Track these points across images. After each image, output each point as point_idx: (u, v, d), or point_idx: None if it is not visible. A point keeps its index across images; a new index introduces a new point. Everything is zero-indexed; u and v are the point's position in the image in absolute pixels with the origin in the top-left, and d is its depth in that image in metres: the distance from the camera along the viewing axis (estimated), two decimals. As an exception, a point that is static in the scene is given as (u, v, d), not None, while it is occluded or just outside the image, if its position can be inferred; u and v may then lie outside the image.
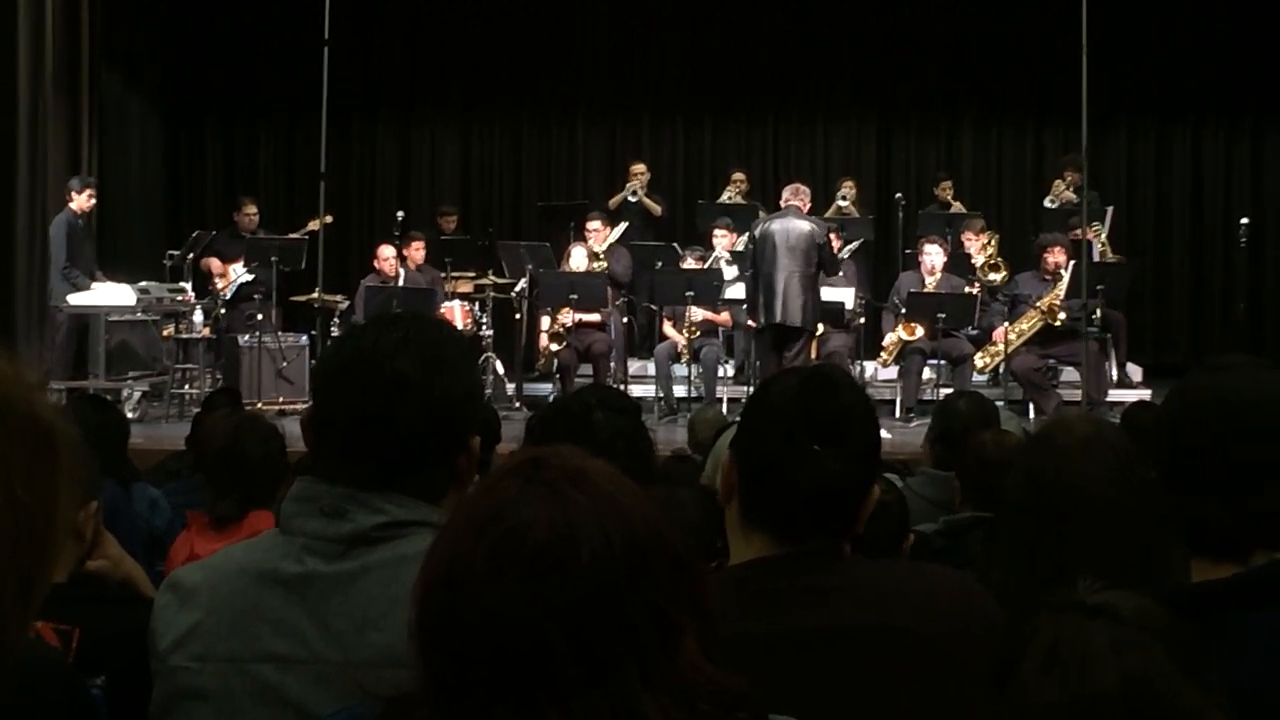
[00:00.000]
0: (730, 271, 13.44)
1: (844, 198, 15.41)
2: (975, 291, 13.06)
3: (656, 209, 15.61)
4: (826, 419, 2.24)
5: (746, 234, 13.25)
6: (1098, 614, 1.61)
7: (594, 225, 14.09)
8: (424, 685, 1.46)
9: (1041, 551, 2.97)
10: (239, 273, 13.85)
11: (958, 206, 15.64)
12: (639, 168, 15.90)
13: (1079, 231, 12.81)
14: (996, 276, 13.67)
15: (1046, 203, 15.35)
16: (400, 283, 13.67)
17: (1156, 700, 1.54)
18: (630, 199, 15.50)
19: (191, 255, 13.68)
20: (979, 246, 13.84)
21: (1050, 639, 1.60)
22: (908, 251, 14.26)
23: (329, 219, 13.08)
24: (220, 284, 13.94)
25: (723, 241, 13.97)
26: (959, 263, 13.65)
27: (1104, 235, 14.28)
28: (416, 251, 14.18)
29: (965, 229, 14.08)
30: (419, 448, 2.15)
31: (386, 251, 13.75)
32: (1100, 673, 1.55)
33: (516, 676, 1.40)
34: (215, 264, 14.12)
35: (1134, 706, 1.54)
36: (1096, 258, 13.43)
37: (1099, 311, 12.50)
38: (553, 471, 1.47)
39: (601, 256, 13.91)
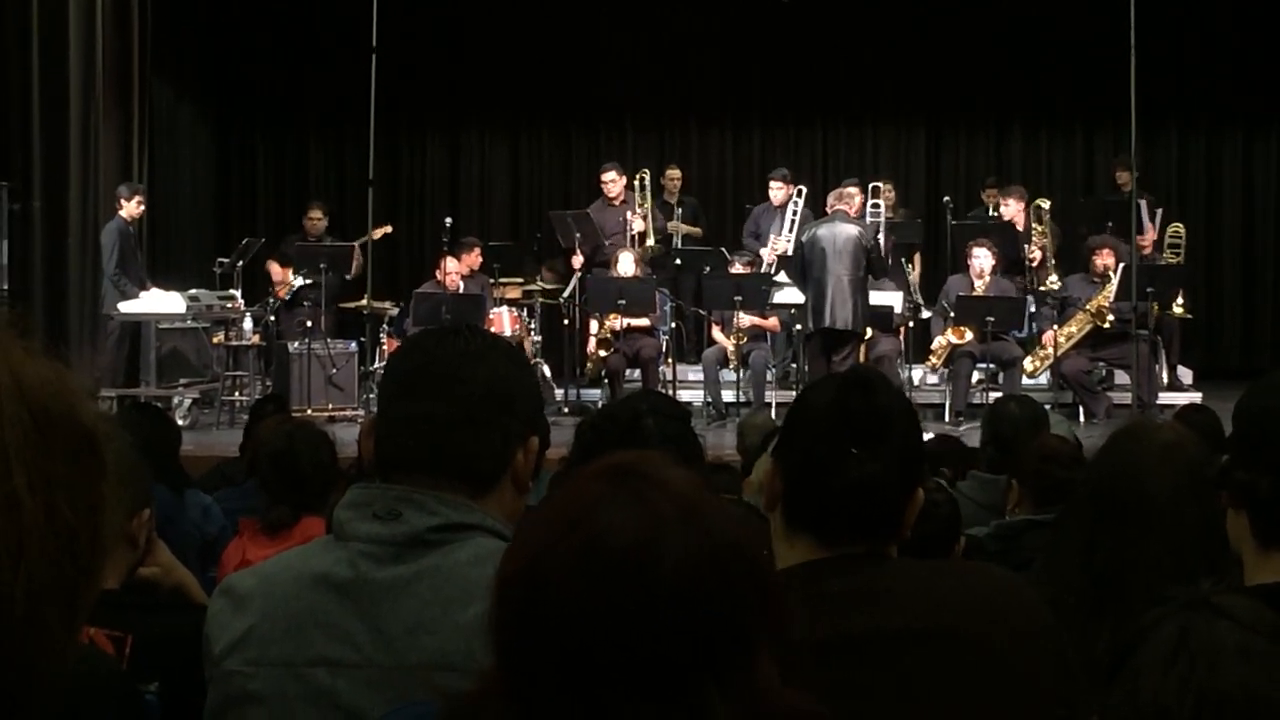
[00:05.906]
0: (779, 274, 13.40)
1: (877, 205, 15.35)
2: (1033, 258, 13.17)
3: (697, 232, 15.54)
4: (863, 420, 2.22)
5: (792, 238, 13.23)
6: (1225, 614, 1.58)
7: (609, 176, 14.46)
8: (495, 678, 1.45)
9: (1102, 549, 2.96)
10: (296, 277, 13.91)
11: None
12: (674, 173, 15.89)
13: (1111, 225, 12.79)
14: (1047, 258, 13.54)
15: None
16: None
17: (1273, 710, 1.52)
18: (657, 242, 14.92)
19: (241, 262, 13.73)
20: (1018, 211, 13.78)
21: (1176, 633, 1.57)
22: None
23: (388, 229, 13.00)
24: (280, 289, 13.98)
25: (779, 194, 14.14)
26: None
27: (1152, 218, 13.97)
28: (475, 258, 14.10)
29: (1006, 196, 14.03)
30: (471, 434, 2.18)
31: (452, 265, 13.62)
32: (1226, 673, 1.52)
33: (588, 679, 1.38)
34: (275, 269, 14.18)
35: (1255, 713, 1.51)
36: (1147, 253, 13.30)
37: (1155, 309, 12.40)
38: (639, 478, 1.46)
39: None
